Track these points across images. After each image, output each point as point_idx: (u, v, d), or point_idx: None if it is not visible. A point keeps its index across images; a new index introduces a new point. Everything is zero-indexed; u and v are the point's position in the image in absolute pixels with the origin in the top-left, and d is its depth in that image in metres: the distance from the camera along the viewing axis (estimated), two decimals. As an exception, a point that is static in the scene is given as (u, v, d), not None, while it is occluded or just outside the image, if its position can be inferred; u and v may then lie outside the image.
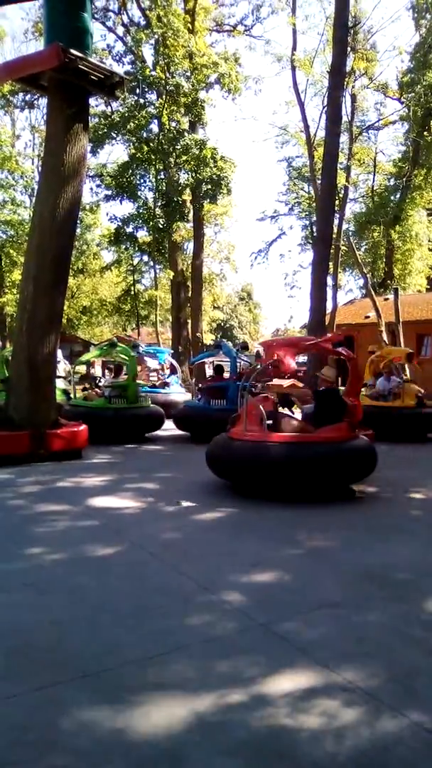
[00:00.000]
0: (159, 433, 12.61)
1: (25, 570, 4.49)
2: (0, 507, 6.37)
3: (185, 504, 6.62)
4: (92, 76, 9.40)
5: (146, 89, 24.22)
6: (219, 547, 5.16)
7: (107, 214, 36.37)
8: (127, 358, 12.45)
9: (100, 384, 12.78)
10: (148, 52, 25.14)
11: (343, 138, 24.04)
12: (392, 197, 31.64)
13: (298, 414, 9.24)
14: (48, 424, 9.24)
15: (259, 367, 12.33)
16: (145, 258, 29.09)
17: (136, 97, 23.88)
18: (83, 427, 9.61)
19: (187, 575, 4.42)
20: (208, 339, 36.89)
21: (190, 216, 26.80)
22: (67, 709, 2.71)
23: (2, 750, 2.44)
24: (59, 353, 11.87)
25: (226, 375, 12.92)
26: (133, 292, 32.06)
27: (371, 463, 7.19)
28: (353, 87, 26.78)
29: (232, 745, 2.49)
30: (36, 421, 9.10)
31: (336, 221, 22.51)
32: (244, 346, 15.60)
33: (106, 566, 4.60)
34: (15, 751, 2.43)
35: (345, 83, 16.96)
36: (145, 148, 24.28)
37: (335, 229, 20.84)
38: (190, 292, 28.06)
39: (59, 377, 13.31)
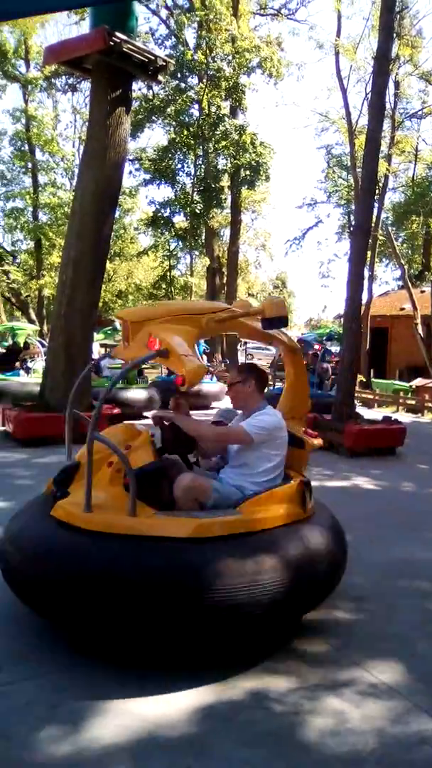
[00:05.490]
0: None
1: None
2: (32, 490, 6.46)
3: None
4: (136, 60, 9.39)
5: (187, 73, 24.07)
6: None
7: (146, 197, 37.10)
8: None
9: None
10: (190, 35, 24.99)
11: (385, 125, 23.62)
12: (433, 187, 30.98)
13: None
14: (83, 408, 9.34)
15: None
16: (182, 244, 29.05)
17: (177, 81, 23.76)
18: (117, 410, 9.71)
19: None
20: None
21: (228, 202, 26.64)
22: (91, 691, 2.77)
23: (29, 728, 2.51)
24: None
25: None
26: (168, 278, 32.09)
27: None
28: (397, 74, 26.18)
29: (256, 736, 2.52)
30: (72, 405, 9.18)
31: (374, 211, 22.17)
32: None
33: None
34: (41, 729, 2.50)
35: (389, 69, 16.58)
36: (185, 133, 24.19)
37: (373, 219, 20.53)
38: (225, 279, 27.96)
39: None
